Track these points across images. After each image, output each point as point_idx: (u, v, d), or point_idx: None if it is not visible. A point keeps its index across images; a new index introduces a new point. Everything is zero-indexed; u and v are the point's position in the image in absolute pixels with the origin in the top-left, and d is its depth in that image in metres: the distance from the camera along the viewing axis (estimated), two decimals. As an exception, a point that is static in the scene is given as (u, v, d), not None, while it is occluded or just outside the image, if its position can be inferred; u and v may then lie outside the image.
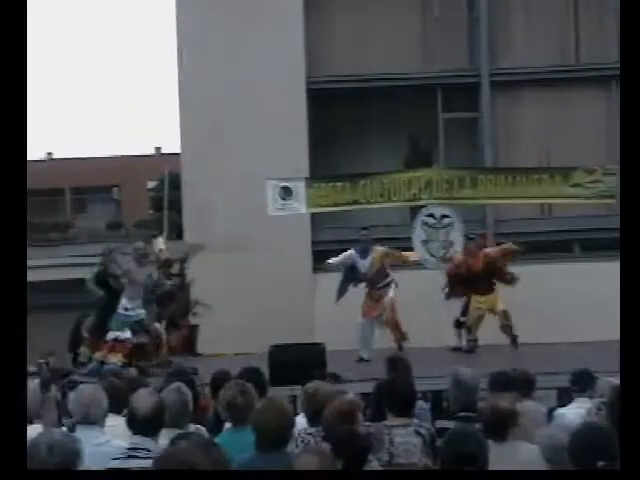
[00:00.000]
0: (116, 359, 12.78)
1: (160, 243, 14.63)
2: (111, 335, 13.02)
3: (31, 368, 6.73)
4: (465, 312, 14.57)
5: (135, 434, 5.46)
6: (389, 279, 14.16)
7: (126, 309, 13.12)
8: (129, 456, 5.31)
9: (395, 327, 14.19)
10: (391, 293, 14.05)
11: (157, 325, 13.98)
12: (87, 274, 14.06)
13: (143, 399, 5.56)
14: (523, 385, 7.57)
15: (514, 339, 14.15)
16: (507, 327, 14.17)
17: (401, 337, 14.14)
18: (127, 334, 12.99)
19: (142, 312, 13.29)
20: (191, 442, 4.77)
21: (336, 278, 17.51)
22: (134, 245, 13.72)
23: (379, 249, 14.26)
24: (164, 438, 5.48)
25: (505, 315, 14.16)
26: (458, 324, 14.73)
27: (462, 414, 6.47)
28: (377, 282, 14.11)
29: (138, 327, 13.21)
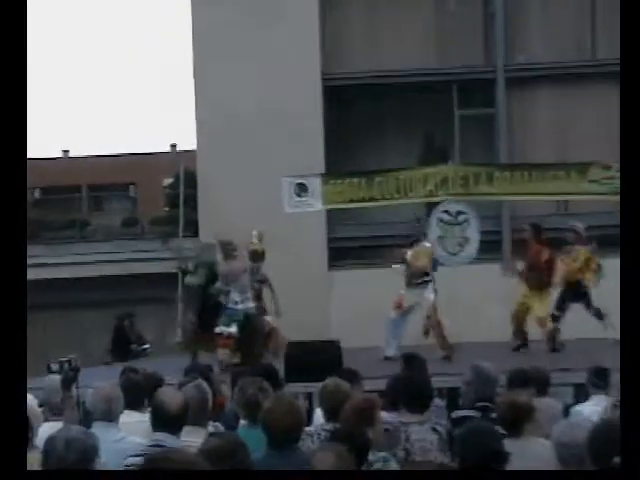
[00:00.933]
0: (224, 354, 12.69)
1: (254, 236, 14.39)
2: (218, 330, 12.91)
3: (53, 366, 6.73)
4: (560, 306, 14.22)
5: (157, 431, 5.48)
6: (427, 278, 13.65)
7: (235, 302, 13.00)
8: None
9: (439, 333, 13.49)
10: (431, 295, 13.53)
11: (267, 318, 13.90)
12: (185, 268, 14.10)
13: (169, 396, 5.60)
14: (538, 382, 7.58)
15: (551, 344, 13.95)
16: (548, 334, 13.98)
17: (445, 345, 13.35)
18: (233, 329, 12.87)
19: (252, 305, 13.20)
20: (222, 441, 4.75)
21: (351, 275, 17.60)
22: (219, 240, 13.57)
23: (427, 246, 13.88)
24: (184, 435, 5.52)
25: (541, 322, 13.98)
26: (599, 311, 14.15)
27: (480, 404, 6.49)
28: (414, 277, 13.61)
29: (246, 321, 13.06)
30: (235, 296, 13.01)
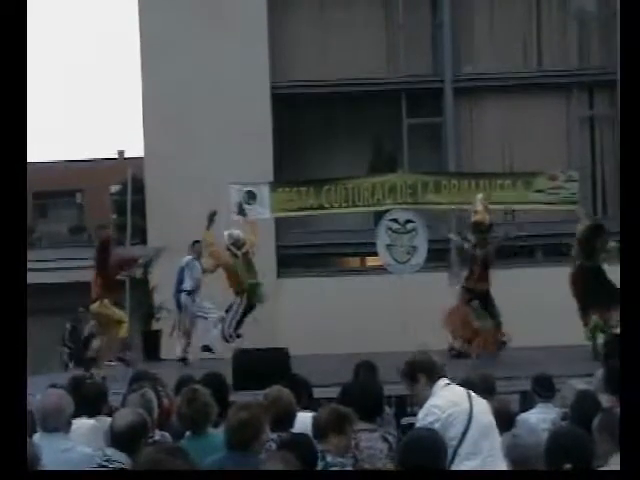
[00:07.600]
0: None
1: (478, 203, 13.80)
2: None
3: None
4: None
5: (111, 447, 5.45)
6: None
7: None
8: (101, 465, 5.30)
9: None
10: None
11: None
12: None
13: (121, 417, 5.52)
14: (484, 389, 7.64)
15: None
16: None
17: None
18: None
19: None
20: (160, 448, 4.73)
21: (300, 283, 17.59)
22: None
23: None
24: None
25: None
26: None
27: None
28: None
29: None
30: None
